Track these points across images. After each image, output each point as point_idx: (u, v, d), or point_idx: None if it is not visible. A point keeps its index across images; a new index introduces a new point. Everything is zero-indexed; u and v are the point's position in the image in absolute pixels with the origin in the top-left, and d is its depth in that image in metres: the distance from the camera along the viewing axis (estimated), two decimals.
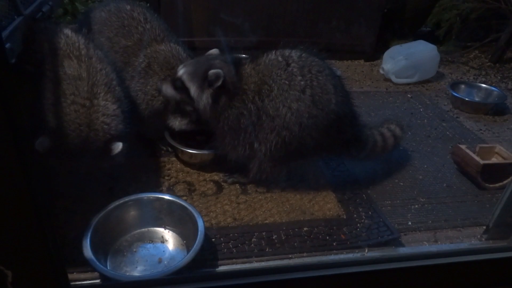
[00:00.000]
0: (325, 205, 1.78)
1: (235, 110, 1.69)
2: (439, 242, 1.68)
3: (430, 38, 3.46)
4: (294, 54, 1.71)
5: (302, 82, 1.65)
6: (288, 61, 1.68)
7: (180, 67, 1.78)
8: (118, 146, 1.47)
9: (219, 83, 1.65)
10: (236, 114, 1.69)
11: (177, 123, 1.95)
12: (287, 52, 1.72)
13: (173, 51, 1.95)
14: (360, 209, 1.77)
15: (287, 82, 1.65)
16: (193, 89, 1.70)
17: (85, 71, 1.52)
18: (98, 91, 1.51)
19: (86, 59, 1.56)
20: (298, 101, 1.64)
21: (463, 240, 1.70)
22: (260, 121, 1.68)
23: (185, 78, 1.72)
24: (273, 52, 1.73)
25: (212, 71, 1.64)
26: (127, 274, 1.39)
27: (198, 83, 1.69)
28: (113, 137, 1.49)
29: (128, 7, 2.06)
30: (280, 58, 1.69)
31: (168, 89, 1.78)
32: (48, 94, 1.47)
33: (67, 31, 1.63)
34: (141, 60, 1.95)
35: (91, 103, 1.48)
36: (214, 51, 1.90)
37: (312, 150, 1.74)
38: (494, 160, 2.07)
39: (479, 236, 1.68)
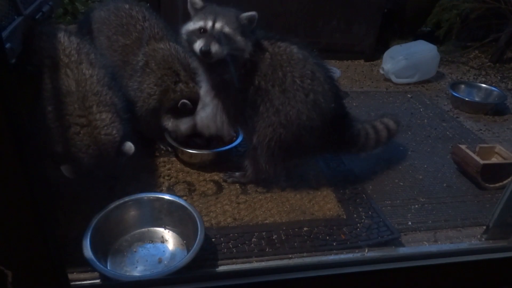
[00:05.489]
0: (325, 205, 1.78)
1: (246, 76, 1.65)
2: (439, 242, 1.68)
3: (430, 38, 3.46)
4: (312, 58, 1.72)
5: (310, 86, 1.67)
6: (306, 61, 1.69)
7: (206, 21, 1.60)
8: (130, 147, 1.56)
9: (254, 24, 1.60)
10: (245, 81, 1.65)
11: (170, 123, 1.95)
12: (307, 53, 1.72)
13: (172, 50, 1.95)
14: (360, 209, 1.77)
15: (298, 82, 1.66)
16: (238, 38, 1.59)
17: (73, 82, 1.53)
18: (90, 104, 1.52)
19: (75, 66, 1.56)
20: (301, 103, 1.66)
21: (463, 240, 1.70)
22: (264, 106, 1.67)
23: (227, 30, 1.58)
24: (296, 46, 1.71)
25: (245, 14, 1.60)
26: (127, 274, 1.39)
27: (240, 31, 1.60)
28: (120, 142, 1.54)
29: (127, 6, 2.07)
30: (301, 56, 1.69)
31: (216, 48, 1.57)
32: (47, 119, 1.48)
33: (61, 35, 1.63)
34: (139, 59, 1.95)
35: (88, 120, 1.50)
36: None
37: (306, 150, 1.77)
38: (494, 160, 2.07)
39: (479, 236, 1.68)
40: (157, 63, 1.92)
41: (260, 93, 1.66)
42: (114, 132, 1.54)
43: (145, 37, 1.99)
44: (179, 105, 1.86)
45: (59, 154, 1.47)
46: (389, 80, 3.17)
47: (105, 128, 1.52)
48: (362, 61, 3.53)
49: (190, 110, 1.87)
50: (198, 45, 1.58)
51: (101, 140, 1.50)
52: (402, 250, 1.62)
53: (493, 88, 2.92)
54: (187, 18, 1.71)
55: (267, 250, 1.54)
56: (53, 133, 1.47)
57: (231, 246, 1.54)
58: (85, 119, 1.50)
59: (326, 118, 1.71)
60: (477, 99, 2.89)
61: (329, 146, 1.83)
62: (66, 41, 1.62)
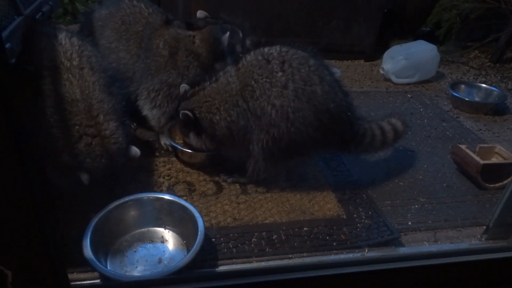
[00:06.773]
0: (325, 205, 1.78)
1: (224, 122, 1.73)
2: (439, 242, 1.68)
3: (430, 38, 3.46)
4: (274, 50, 1.70)
5: (283, 78, 1.65)
6: (268, 58, 1.68)
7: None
8: (136, 151, 1.62)
9: (191, 120, 1.76)
10: (226, 124, 1.73)
11: None
12: (266, 49, 1.72)
13: (175, 25, 2.05)
14: (360, 209, 1.77)
15: (268, 80, 1.65)
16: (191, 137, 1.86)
17: (78, 89, 1.53)
18: (97, 113, 1.53)
19: (77, 71, 1.56)
20: (281, 97, 1.64)
21: (463, 240, 1.70)
22: (249, 123, 1.70)
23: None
24: (252, 52, 1.73)
25: (182, 112, 1.77)
26: (127, 274, 1.39)
27: (192, 132, 1.83)
28: (126, 148, 1.58)
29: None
30: (259, 57, 1.70)
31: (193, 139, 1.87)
32: (52, 127, 1.48)
33: (62, 37, 1.62)
34: (158, 41, 2.00)
35: (97, 130, 1.51)
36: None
37: (306, 146, 1.74)
38: (494, 160, 2.07)
39: (479, 236, 1.67)
40: (174, 39, 2.00)
41: (243, 115, 1.70)
42: (121, 139, 1.56)
43: (153, 21, 2.06)
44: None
45: (70, 163, 1.47)
46: (389, 80, 3.17)
47: (113, 136, 1.54)
48: (362, 61, 3.52)
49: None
50: None
51: (112, 148, 1.52)
52: (402, 250, 1.62)
53: (493, 88, 2.92)
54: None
55: (267, 250, 1.54)
56: (61, 143, 1.47)
57: (231, 246, 1.54)
58: (94, 129, 1.51)
59: (316, 103, 1.66)
60: (477, 99, 2.88)
61: (331, 142, 1.80)
62: (67, 44, 1.61)
